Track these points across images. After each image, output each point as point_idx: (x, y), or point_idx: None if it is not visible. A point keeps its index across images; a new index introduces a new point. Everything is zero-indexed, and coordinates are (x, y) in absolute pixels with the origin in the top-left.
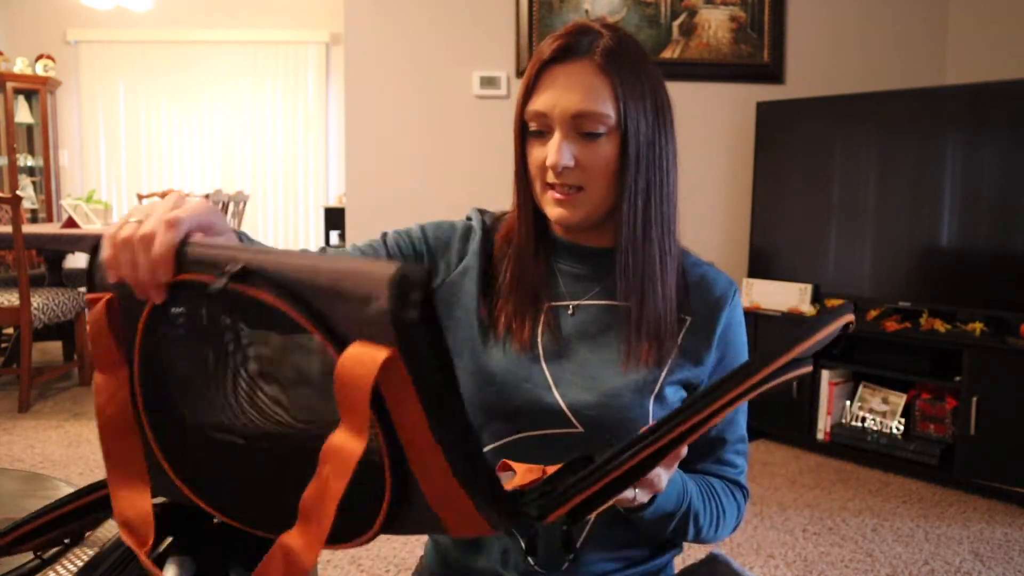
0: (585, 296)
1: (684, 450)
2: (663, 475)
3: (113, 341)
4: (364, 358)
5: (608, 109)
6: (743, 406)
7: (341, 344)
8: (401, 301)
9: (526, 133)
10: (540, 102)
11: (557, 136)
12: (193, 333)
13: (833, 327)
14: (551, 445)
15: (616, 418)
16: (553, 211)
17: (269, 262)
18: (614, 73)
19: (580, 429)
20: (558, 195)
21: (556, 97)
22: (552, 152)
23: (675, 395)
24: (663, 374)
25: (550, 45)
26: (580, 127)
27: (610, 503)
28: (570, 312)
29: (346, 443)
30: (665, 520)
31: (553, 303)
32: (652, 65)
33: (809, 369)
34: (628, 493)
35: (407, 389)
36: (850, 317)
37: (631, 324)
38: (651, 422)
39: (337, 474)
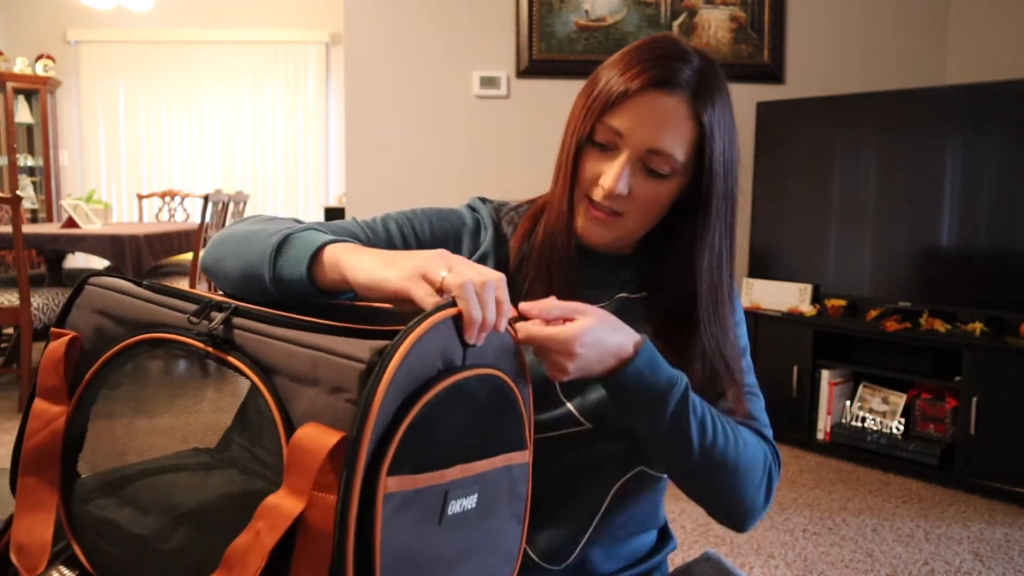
0: (598, 303)
1: (550, 302)
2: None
3: (63, 375)
4: (320, 434)
5: (680, 154)
6: (742, 334)
7: (289, 424)
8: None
9: (588, 137)
10: (621, 122)
11: (621, 161)
12: (145, 383)
13: None
14: (562, 445)
15: None
16: (583, 225)
17: (250, 338)
18: (703, 118)
19: (588, 425)
20: (598, 214)
21: (638, 124)
22: (611, 177)
23: None
24: None
25: (650, 68)
26: (648, 162)
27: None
28: None
29: (284, 503)
30: (654, 403)
31: None
32: (730, 99)
33: None
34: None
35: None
36: None
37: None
38: None
39: (270, 529)
